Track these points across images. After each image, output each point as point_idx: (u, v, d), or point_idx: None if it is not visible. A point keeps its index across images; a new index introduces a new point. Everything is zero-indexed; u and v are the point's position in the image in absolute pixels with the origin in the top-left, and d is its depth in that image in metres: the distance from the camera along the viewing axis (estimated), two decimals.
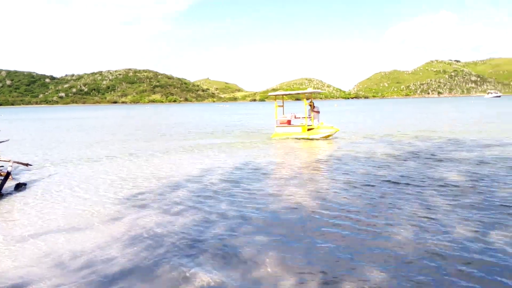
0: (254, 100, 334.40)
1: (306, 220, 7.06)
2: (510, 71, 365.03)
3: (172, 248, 5.91)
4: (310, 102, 21.47)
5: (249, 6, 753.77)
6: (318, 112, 21.35)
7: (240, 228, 6.73)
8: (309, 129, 20.79)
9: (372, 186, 9.45)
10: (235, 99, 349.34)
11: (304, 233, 6.39)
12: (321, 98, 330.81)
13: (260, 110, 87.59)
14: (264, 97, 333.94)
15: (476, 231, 6.14)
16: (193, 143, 20.72)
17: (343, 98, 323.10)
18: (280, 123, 21.54)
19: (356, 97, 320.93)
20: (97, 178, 11.79)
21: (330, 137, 20.52)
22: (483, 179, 9.73)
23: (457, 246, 5.59)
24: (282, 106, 22.75)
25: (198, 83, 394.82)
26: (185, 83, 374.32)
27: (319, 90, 23.64)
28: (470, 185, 9.15)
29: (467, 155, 13.80)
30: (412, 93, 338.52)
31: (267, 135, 23.67)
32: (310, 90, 22.83)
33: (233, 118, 50.92)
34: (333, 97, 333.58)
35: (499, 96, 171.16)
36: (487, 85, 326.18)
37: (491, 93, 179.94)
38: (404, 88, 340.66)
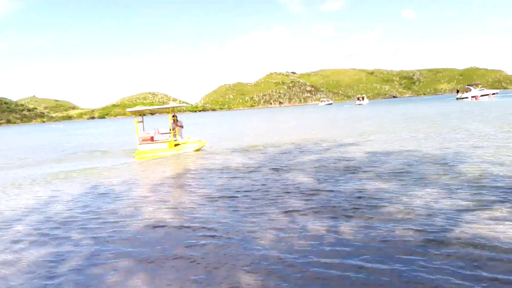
0: (93, 117, 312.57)
1: (167, 237, 6.89)
2: (337, 80, 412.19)
3: None
4: (174, 116, 20.49)
5: (81, 16, 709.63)
6: (182, 126, 20.61)
7: (98, 256, 6.21)
8: (175, 145, 19.61)
9: (232, 197, 9.60)
10: (69, 117, 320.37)
11: (169, 250, 6.23)
12: (167, 112, 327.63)
13: (103, 127, 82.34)
14: (104, 114, 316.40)
15: (328, 229, 6.83)
16: (35, 171, 18.13)
17: (190, 111, 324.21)
18: (143, 140, 19.51)
19: (204, 109, 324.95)
20: None
21: (198, 152, 19.77)
22: (327, 181, 10.79)
23: (316, 243, 6.13)
24: (142, 122, 21.01)
25: (23, 102, 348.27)
26: (6, 103, 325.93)
27: (183, 104, 23.66)
28: (316, 187, 10.07)
29: (311, 158, 15.05)
30: (256, 104, 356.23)
31: (127, 153, 22.00)
32: (172, 104, 21.83)
33: (74, 138, 47.46)
34: (180, 111, 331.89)
35: (331, 104, 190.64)
36: (320, 94, 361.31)
37: (324, 101, 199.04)
38: (249, 100, 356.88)
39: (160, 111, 23.19)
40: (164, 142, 19.69)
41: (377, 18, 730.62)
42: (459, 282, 4.60)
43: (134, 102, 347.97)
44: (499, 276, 4.67)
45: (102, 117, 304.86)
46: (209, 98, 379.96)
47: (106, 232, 7.44)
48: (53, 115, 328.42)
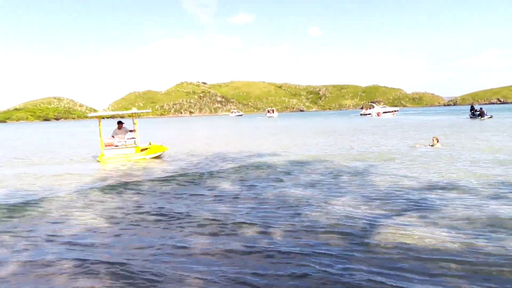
0: None
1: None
2: (248, 92, 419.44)
3: None
4: (120, 123, 20.17)
5: None
6: (129, 131, 20.29)
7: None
8: (142, 150, 19.54)
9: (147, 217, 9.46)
10: None
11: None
12: (73, 118, 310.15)
13: (12, 132, 74.31)
14: (5, 118, 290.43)
15: (254, 235, 7.06)
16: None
17: (90, 119, 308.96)
18: (106, 145, 19.16)
19: (112, 117, 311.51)
20: None
21: (160, 157, 19.93)
22: (254, 186, 11.23)
23: (241, 249, 6.32)
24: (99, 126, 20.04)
25: None
26: None
27: (147, 110, 25.03)
28: (237, 194, 10.37)
29: (233, 166, 15.45)
30: (166, 112, 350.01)
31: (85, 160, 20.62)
32: (134, 110, 21.39)
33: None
34: (86, 117, 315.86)
35: (241, 115, 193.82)
36: (230, 105, 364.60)
37: (235, 112, 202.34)
38: (159, 108, 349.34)
39: (121, 116, 23.71)
40: (132, 147, 19.51)
41: (285, 34, 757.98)
42: (379, 280, 5.10)
43: (38, 106, 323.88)
44: (412, 274, 5.27)
45: (3, 121, 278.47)
46: (117, 104, 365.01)
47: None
48: None
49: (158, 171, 15.24)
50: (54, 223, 8.23)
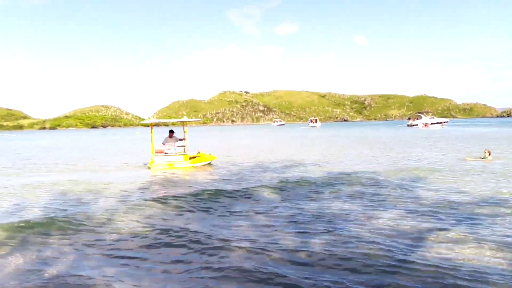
0: (44, 128, 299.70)
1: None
2: (290, 101, 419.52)
3: None
4: (171, 132, 20.87)
5: (35, 24, 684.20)
6: (179, 139, 20.88)
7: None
8: (190, 158, 19.99)
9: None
10: (20, 127, 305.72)
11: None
12: (119, 126, 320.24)
13: (60, 138, 78.32)
14: (55, 125, 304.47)
15: (296, 245, 7.02)
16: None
17: (143, 126, 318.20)
18: (157, 152, 19.80)
19: (166, 124, 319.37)
20: None
21: (209, 165, 20.32)
22: (295, 199, 11.30)
23: (287, 257, 6.35)
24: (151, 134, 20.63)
25: None
26: None
27: (197, 119, 27.18)
28: (278, 205, 10.47)
29: (275, 176, 15.55)
30: (209, 121, 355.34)
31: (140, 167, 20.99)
32: (185, 118, 22.14)
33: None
34: (132, 125, 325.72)
35: (283, 124, 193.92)
36: (272, 114, 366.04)
37: (277, 121, 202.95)
38: (202, 117, 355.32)
39: (173, 124, 24.84)
40: (180, 155, 19.95)
41: (330, 42, 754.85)
42: None
43: (87, 114, 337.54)
44: None
45: (53, 128, 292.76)
46: (162, 113, 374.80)
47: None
48: (4, 124, 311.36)
49: (201, 182, 15.23)
50: (101, 231, 8.56)
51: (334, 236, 7.47)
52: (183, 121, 21.86)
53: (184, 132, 20.82)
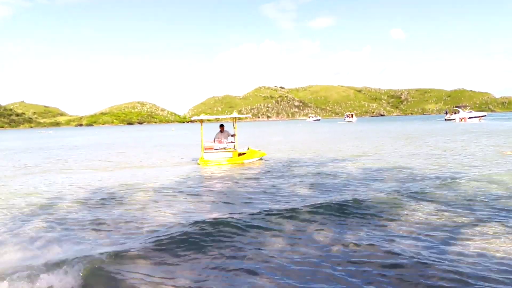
0: (81, 124, 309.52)
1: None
2: (326, 97, 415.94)
3: None
4: (221, 126, 21.04)
5: (72, 22, 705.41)
6: (231, 135, 20.92)
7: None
8: (239, 154, 19.99)
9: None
10: (57, 124, 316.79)
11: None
12: (155, 122, 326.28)
13: (100, 135, 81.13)
14: (92, 122, 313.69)
15: (334, 239, 7.31)
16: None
17: (178, 122, 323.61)
18: (206, 149, 19.93)
19: (192, 121, 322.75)
20: None
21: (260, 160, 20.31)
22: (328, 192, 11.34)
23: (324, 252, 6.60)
24: (201, 130, 21.02)
25: (11, 107, 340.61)
26: None
27: (246, 115, 25.20)
28: (317, 196, 10.38)
29: (314, 171, 15.59)
30: (244, 117, 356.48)
31: (190, 163, 20.99)
32: (235, 114, 21.97)
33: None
34: (168, 121, 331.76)
35: (319, 119, 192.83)
36: (308, 110, 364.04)
37: (312, 117, 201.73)
38: (238, 112, 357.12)
39: (223, 120, 25.28)
40: (230, 151, 19.99)
41: (366, 37, 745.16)
42: None
43: (123, 110, 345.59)
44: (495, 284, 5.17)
45: (89, 124, 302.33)
46: (197, 109, 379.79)
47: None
48: (41, 120, 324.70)
49: (249, 179, 14.73)
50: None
51: (373, 229, 7.67)
52: (233, 117, 21.68)
53: (234, 128, 20.81)
